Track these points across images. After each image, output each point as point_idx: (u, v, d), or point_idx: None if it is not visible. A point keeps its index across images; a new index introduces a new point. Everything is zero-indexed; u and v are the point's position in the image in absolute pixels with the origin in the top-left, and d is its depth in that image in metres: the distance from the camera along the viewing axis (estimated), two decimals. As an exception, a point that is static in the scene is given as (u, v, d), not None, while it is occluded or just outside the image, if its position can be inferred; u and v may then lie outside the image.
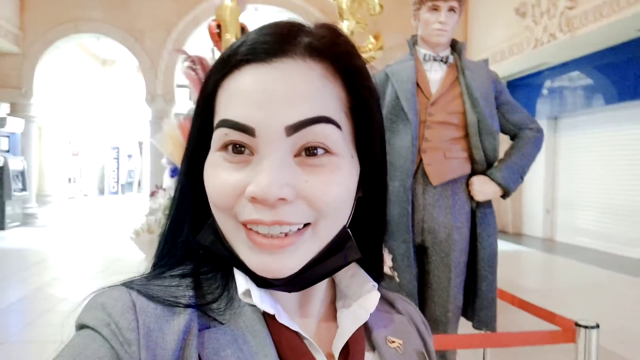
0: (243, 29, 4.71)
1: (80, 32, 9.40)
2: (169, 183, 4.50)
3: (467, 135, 1.79)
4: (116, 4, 9.25)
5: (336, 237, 0.48)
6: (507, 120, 1.86)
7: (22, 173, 9.34)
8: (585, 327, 1.53)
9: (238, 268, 0.49)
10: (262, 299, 0.46)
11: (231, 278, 0.50)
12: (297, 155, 0.45)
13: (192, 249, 0.52)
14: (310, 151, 0.45)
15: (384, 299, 0.61)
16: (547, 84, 8.94)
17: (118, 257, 6.48)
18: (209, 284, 0.49)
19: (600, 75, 7.72)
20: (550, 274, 6.73)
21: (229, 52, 0.47)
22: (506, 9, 8.12)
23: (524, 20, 7.75)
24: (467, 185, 1.81)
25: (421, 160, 1.77)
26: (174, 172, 4.25)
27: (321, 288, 0.54)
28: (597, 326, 1.54)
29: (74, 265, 6.07)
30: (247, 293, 0.47)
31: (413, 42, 1.87)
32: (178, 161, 3.79)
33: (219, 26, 4.62)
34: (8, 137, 9.22)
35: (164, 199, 4.28)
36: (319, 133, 0.44)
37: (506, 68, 8.33)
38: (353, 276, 0.55)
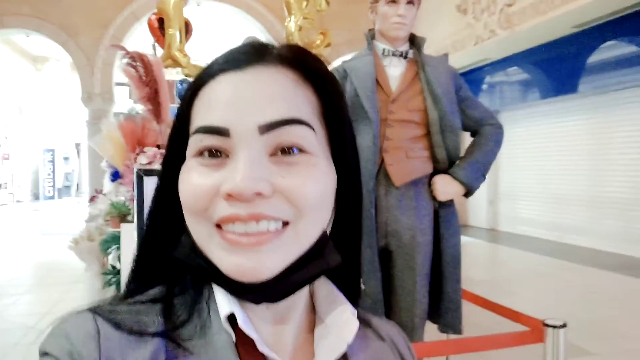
0: (187, 24, 4.49)
1: (8, 27, 8.76)
2: (110, 187, 4.22)
3: (428, 134, 1.72)
4: (46, -3, 8.67)
5: (317, 241, 0.47)
6: (468, 116, 1.82)
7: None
8: (554, 326, 1.51)
9: (216, 282, 0.47)
10: (245, 323, 0.45)
11: (204, 301, 0.48)
12: (273, 154, 0.45)
13: (167, 267, 0.50)
14: (286, 151, 0.45)
15: (363, 321, 0.59)
16: (488, 79, 9.19)
17: (55, 266, 6.07)
18: (180, 308, 0.47)
19: (537, 71, 8.02)
20: (496, 263, 6.92)
21: (207, 66, 0.48)
22: (449, 6, 8.28)
23: (465, 17, 7.92)
24: (429, 185, 1.75)
25: (382, 160, 1.69)
26: (114, 176, 3.98)
27: (298, 312, 0.51)
28: (565, 325, 1.52)
29: (6, 277, 5.62)
30: (229, 317, 0.46)
31: (371, 36, 1.79)
32: (119, 164, 3.54)
33: (159, 21, 4.37)
34: None
35: (104, 205, 4.00)
36: (293, 134, 0.44)
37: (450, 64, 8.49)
38: (332, 303, 0.53)
